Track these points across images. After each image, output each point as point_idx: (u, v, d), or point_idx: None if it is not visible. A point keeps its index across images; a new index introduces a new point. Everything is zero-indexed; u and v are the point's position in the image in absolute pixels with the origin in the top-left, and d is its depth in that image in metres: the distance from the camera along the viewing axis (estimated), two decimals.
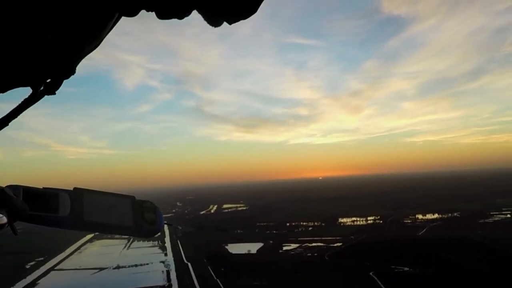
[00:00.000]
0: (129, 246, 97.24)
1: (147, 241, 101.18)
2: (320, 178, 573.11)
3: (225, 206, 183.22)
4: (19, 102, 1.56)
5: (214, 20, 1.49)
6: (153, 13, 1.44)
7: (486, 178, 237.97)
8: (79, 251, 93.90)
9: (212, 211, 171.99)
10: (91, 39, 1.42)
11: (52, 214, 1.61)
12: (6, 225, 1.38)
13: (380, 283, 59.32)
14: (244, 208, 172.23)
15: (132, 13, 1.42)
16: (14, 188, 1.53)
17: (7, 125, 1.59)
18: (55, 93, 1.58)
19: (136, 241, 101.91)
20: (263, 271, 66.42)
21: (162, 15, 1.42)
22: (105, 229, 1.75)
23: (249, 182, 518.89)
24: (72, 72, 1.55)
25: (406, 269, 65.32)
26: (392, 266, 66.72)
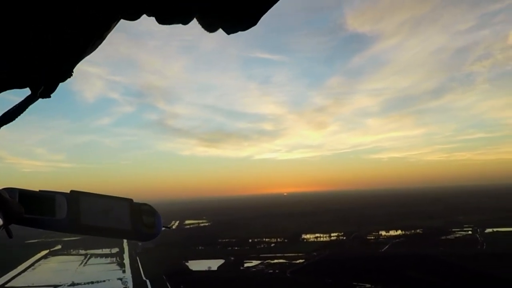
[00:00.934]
0: (86, 263, 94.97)
1: (105, 257, 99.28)
2: (285, 194, 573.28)
3: (187, 222, 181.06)
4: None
5: (211, 27, 1.41)
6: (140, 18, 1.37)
7: (449, 195, 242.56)
8: (32, 267, 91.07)
9: (173, 227, 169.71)
10: (91, 40, 1.38)
11: (48, 217, 1.60)
12: (2, 228, 1.39)
13: None
14: (207, 224, 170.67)
15: (134, 16, 1.36)
16: (10, 190, 1.52)
17: None
18: (50, 96, 1.52)
19: (93, 257, 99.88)
20: None
21: (162, 20, 1.35)
22: (102, 233, 1.76)
23: (212, 198, 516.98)
24: (69, 74, 1.50)
25: (368, 285, 65.42)
26: (354, 283, 66.77)
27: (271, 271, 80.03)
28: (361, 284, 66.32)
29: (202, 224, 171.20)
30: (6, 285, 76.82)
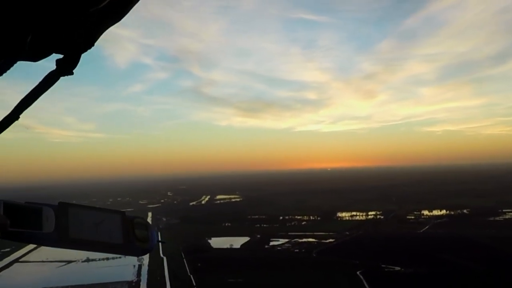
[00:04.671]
0: None
1: None
2: (329, 169, 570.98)
3: (218, 197, 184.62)
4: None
5: None
6: None
7: (507, 173, 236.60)
8: None
9: (203, 202, 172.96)
10: (113, 8, 1.34)
11: (35, 230, 1.58)
12: None
13: (365, 282, 59.41)
14: (238, 199, 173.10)
15: None
16: None
17: (18, 118, 1.54)
18: (72, 73, 1.47)
19: None
20: (242, 268, 66.66)
21: None
22: (93, 247, 1.74)
23: (249, 172, 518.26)
24: (91, 44, 1.43)
25: (397, 268, 65.33)
26: (383, 265, 66.81)
27: (297, 250, 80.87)
28: (390, 266, 66.30)
29: (233, 200, 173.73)
30: (21, 259, 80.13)
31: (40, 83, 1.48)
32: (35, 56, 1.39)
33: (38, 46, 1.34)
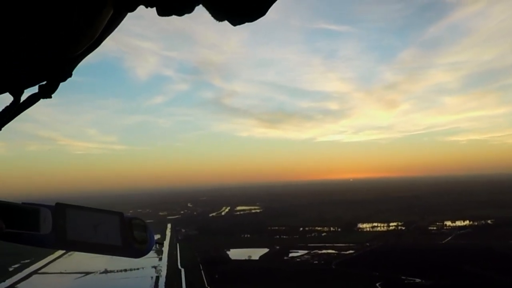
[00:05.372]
0: None
1: None
2: (351, 179, 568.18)
3: (238, 208, 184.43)
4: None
5: (217, 16, 1.42)
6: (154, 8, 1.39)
7: None
8: (69, 253, 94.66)
9: (223, 213, 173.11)
10: (88, 39, 1.40)
11: (32, 232, 1.54)
12: None
13: None
14: (258, 210, 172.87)
15: (130, 8, 1.39)
16: None
17: None
18: (51, 97, 1.56)
19: None
20: (260, 279, 66.41)
21: (163, 12, 1.37)
22: (91, 249, 1.69)
23: (269, 183, 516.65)
24: (69, 75, 1.54)
25: (418, 280, 64.51)
26: (403, 277, 66.05)
27: (316, 262, 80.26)
28: (410, 278, 65.44)
29: (253, 211, 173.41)
30: (40, 271, 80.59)
31: (23, 103, 1.54)
32: (23, 87, 1.51)
33: (26, 80, 1.46)
